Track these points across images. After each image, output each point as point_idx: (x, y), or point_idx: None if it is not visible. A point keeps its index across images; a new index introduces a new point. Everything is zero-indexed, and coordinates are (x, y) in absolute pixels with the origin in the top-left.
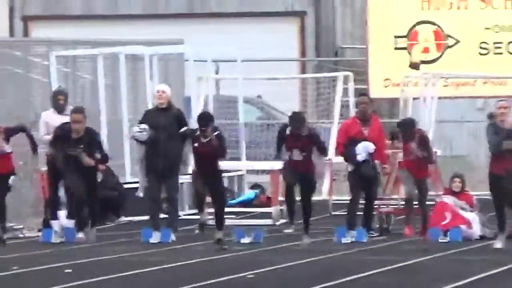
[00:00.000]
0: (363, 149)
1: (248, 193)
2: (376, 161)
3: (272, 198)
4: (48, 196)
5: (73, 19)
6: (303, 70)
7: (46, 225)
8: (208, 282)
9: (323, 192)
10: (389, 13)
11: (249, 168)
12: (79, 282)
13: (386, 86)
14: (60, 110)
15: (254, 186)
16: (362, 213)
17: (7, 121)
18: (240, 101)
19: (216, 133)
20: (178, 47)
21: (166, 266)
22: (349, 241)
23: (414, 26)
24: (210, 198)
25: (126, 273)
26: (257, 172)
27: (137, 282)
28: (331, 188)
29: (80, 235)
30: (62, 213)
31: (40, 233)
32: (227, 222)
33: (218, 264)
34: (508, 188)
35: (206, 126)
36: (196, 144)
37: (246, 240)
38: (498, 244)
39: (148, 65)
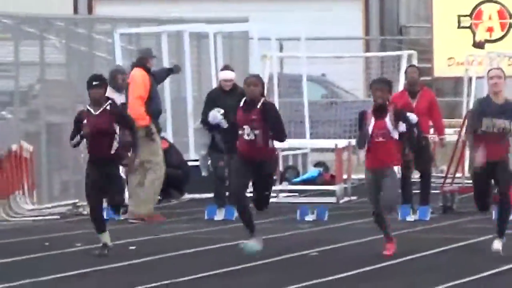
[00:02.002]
0: None
1: (312, 171)
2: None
3: (336, 176)
4: None
5: None
6: (367, 49)
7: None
8: (271, 259)
9: None
10: None
11: (313, 146)
12: (143, 259)
13: (450, 65)
14: (118, 89)
15: (318, 164)
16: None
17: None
18: (304, 80)
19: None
20: (242, 25)
21: (229, 243)
22: (413, 220)
23: (478, 5)
24: None
25: (190, 251)
26: (321, 150)
27: (200, 260)
28: None
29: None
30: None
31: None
32: (292, 200)
33: (281, 241)
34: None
35: None
36: None
37: (310, 218)
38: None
39: (212, 43)
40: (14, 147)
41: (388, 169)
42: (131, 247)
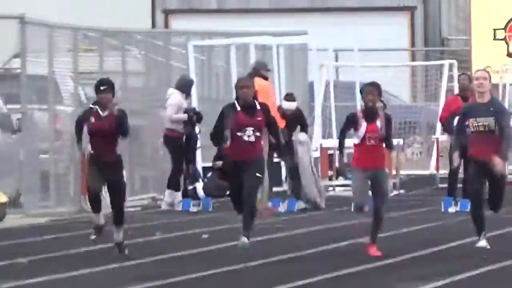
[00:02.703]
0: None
1: None
2: None
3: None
4: (186, 169)
5: (208, 12)
6: (413, 59)
7: (185, 195)
8: (329, 247)
9: (431, 166)
10: (489, 7)
11: None
12: (216, 246)
13: None
14: (187, 95)
15: None
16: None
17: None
18: (357, 86)
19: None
20: (302, 38)
21: (287, 233)
22: (454, 211)
23: (511, 19)
24: None
25: (257, 239)
26: None
27: (263, 247)
28: (437, 163)
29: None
30: (199, 185)
31: (180, 203)
32: (347, 193)
33: (337, 231)
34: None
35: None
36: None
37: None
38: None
39: (275, 54)
40: None
41: (380, 169)
42: (203, 236)
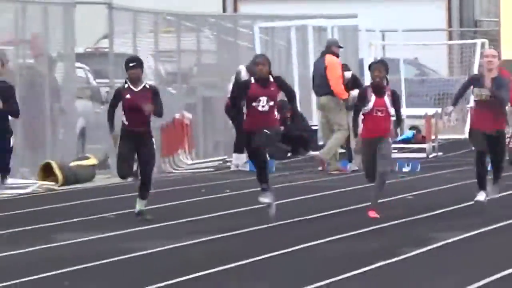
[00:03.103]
0: None
1: (408, 133)
2: None
3: (426, 137)
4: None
5: None
6: (450, 38)
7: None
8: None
9: (465, 131)
10: None
11: (408, 114)
12: (279, 202)
13: None
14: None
15: (412, 128)
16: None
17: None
18: (401, 62)
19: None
20: (353, 20)
21: (341, 190)
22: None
23: None
24: None
25: (306, 196)
26: (414, 116)
27: (314, 203)
28: None
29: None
30: None
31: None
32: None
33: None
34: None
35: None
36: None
37: (406, 169)
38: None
39: (330, 35)
40: (177, 115)
41: (385, 138)
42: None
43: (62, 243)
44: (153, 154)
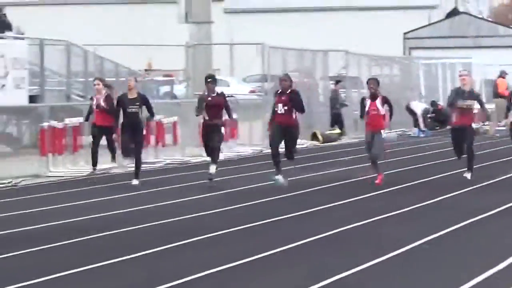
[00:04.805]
0: None
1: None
2: None
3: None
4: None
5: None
6: None
7: None
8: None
9: None
10: None
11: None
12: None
13: None
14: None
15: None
16: None
17: None
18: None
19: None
20: (467, 60)
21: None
22: None
23: None
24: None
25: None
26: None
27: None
28: None
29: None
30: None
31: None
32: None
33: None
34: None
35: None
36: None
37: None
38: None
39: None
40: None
41: (378, 131)
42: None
43: None
44: (221, 138)
